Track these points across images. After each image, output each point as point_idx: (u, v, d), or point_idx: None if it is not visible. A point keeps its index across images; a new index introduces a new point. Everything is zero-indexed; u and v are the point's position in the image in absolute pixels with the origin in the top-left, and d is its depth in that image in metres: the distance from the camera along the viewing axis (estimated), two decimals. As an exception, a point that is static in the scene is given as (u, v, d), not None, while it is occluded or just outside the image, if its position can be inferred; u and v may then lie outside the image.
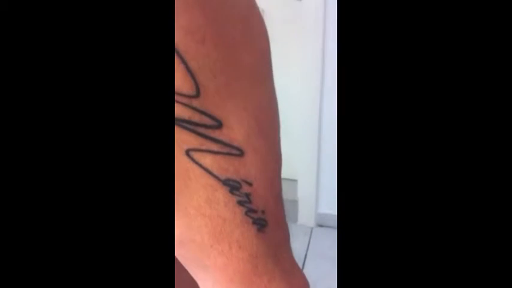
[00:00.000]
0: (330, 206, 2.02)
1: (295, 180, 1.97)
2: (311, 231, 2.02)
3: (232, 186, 0.23)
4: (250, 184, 0.24)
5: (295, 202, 2.02)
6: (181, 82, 0.21)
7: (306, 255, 1.88)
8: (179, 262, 0.26)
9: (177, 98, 0.21)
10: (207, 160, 0.23)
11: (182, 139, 0.22)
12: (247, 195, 0.24)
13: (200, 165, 0.23)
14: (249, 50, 0.23)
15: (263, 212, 0.24)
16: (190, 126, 0.22)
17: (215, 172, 0.23)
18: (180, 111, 0.22)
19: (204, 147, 0.22)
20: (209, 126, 0.22)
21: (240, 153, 0.23)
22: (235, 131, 0.23)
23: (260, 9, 0.24)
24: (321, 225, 2.06)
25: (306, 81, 1.79)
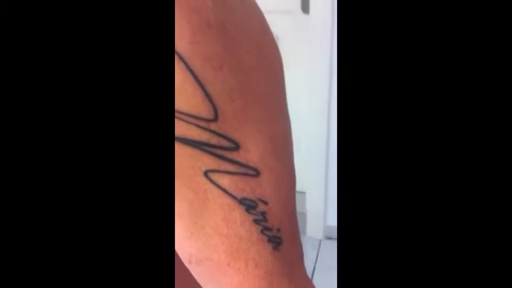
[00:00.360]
0: (338, 218, 2.01)
1: (303, 193, 1.97)
2: (319, 244, 2.02)
3: (248, 205, 0.24)
4: (265, 203, 0.25)
5: (303, 215, 2.02)
6: (200, 106, 0.22)
7: (314, 267, 1.87)
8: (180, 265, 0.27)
9: (196, 121, 0.23)
10: (224, 181, 0.24)
11: (201, 161, 0.23)
12: (263, 213, 0.25)
13: (218, 186, 0.24)
14: (264, 76, 0.24)
15: (278, 230, 0.25)
16: (209, 148, 0.23)
17: (232, 192, 0.24)
18: (198, 134, 0.23)
19: (221, 168, 0.23)
20: (227, 148, 0.23)
21: (256, 173, 0.24)
22: (252, 153, 0.24)
23: (274, 36, 0.26)
24: (329, 238, 2.05)
25: (313, 94, 1.80)
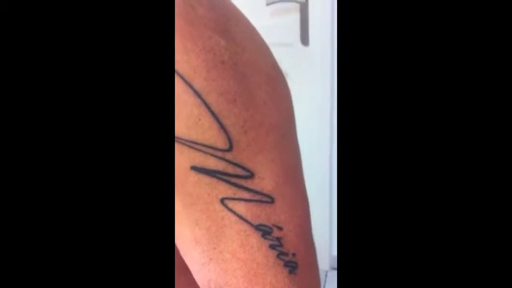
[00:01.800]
0: (344, 247, 1.99)
1: (308, 223, 1.97)
2: (326, 275, 2.00)
3: (264, 231, 0.25)
4: (280, 228, 0.26)
5: (308, 245, 2.00)
6: (215, 138, 0.24)
7: (322, 299, 1.85)
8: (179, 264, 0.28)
9: (212, 151, 0.24)
10: (240, 208, 0.25)
11: (217, 189, 0.25)
12: (279, 239, 0.26)
13: (234, 213, 0.25)
14: (275, 108, 0.26)
15: (294, 255, 0.26)
16: (225, 177, 0.24)
17: (248, 218, 0.25)
18: (215, 163, 0.24)
19: (237, 196, 0.25)
20: (242, 176, 0.25)
21: (270, 200, 0.25)
22: (266, 181, 0.25)
23: (283, 72, 0.27)
24: (335, 268, 2.03)
25: (315, 124, 1.82)
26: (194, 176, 0.24)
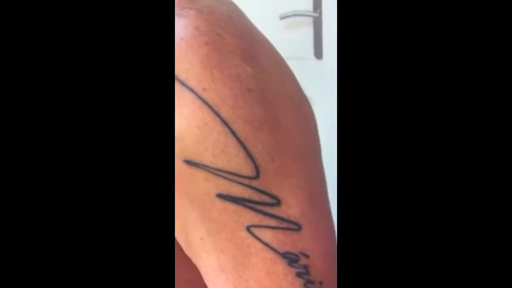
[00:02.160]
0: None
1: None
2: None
3: (290, 259, 0.25)
4: (307, 256, 0.25)
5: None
6: (242, 165, 0.24)
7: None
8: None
9: (238, 179, 0.24)
10: (267, 235, 0.25)
11: (243, 216, 0.24)
12: (305, 267, 0.25)
13: (260, 240, 0.25)
14: (301, 135, 0.26)
15: (321, 283, 0.26)
16: (251, 204, 0.24)
17: (275, 246, 0.25)
18: (241, 191, 0.24)
19: (263, 223, 0.25)
20: (268, 204, 0.25)
21: (297, 227, 0.25)
22: (293, 208, 0.25)
23: (308, 98, 0.27)
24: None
25: (327, 138, 1.81)
26: (220, 204, 0.24)
